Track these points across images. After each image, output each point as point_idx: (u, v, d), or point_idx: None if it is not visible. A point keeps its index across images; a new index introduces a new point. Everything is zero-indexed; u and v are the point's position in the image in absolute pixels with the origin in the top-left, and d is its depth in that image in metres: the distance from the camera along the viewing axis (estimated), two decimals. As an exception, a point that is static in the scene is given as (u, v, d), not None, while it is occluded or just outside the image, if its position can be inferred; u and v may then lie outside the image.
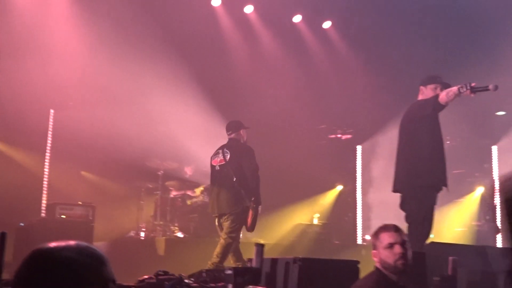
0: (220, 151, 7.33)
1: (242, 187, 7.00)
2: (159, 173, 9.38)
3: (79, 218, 7.80)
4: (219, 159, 7.30)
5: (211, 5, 10.83)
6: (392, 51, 10.87)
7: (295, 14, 11.40)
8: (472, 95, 5.68)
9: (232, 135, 7.37)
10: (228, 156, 7.20)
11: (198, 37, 10.62)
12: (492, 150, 12.45)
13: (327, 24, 11.61)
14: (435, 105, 5.80)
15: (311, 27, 11.59)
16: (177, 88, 10.09)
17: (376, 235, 3.59)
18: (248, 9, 11.13)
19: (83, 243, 1.53)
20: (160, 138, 9.74)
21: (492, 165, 12.36)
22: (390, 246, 3.47)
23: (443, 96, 5.76)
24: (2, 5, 8.74)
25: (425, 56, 10.46)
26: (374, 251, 3.54)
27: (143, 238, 9.00)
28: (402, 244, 3.48)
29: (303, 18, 11.45)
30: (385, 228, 3.60)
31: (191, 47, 10.54)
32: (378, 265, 3.51)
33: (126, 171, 9.50)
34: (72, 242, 1.52)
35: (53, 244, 1.50)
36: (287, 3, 10.85)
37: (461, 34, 10.67)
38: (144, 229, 9.16)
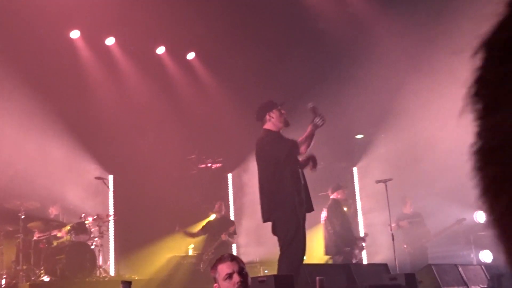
0: None
1: None
2: (20, 214, 8.76)
3: None
4: None
5: (70, 37, 10.50)
6: (255, 78, 11.25)
7: (158, 45, 11.40)
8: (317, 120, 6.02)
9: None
10: None
11: (57, 70, 10.21)
12: (353, 171, 13.25)
13: (191, 55, 11.74)
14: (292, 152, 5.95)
15: (175, 58, 11.65)
16: (35, 125, 9.59)
17: (214, 268, 3.58)
18: (110, 41, 10.93)
19: None
20: (18, 177, 9.16)
21: (354, 186, 13.13)
22: (229, 276, 3.47)
23: (304, 148, 6.02)
24: None
25: (282, 80, 10.98)
26: (216, 284, 3.54)
27: (3, 286, 8.30)
28: (240, 272, 3.49)
29: (166, 49, 11.47)
30: (221, 259, 3.60)
31: (51, 81, 10.10)
32: None
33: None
34: None
35: None
36: (149, 34, 10.82)
37: (318, 58, 11.33)
38: (5, 276, 8.46)
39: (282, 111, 6.12)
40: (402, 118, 10.91)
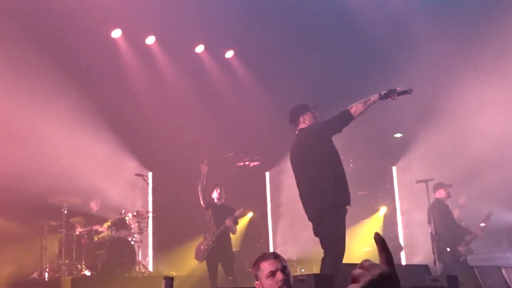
0: None
1: None
2: (63, 209, 8.97)
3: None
4: None
5: (111, 37, 10.67)
6: (291, 76, 11.21)
7: (197, 44, 11.48)
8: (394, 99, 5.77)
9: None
10: None
11: (100, 69, 10.42)
12: (392, 170, 13.09)
13: (229, 54, 11.78)
14: (344, 120, 5.77)
15: (214, 57, 11.71)
16: (78, 123, 9.80)
17: (256, 265, 3.53)
18: (150, 40, 11.07)
19: None
20: (62, 173, 9.37)
21: (393, 185, 12.97)
22: (272, 274, 3.43)
23: (359, 106, 5.81)
24: None
25: (319, 79, 10.89)
26: (257, 282, 3.50)
27: (47, 279, 8.51)
28: (283, 270, 3.46)
29: (205, 48, 11.55)
30: (264, 257, 3.56)
31: (93, 80, 10.32)
32: None
33: (26, 209, 9.02)
34: None
35: None
36: (188, 33, 10.90)
37: (356, 56, 11.20)
38: (48, 270, 8.67)
39: (316, 114, 6.08)
40: (443, 116, 10.73)
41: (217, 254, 8.71)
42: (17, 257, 8.70)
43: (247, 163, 11.40)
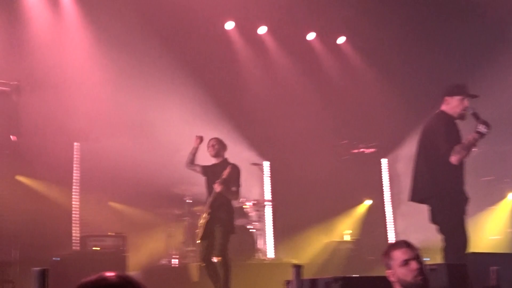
0: None
1: None
2: (186, 199, 9.33)
3: (111, 249, 7.79)
4: None
5: (225, 28, 10.90)
6: (408, 60, 10.83)
7: (309, 31, 11.43)
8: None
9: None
10: None
11: (215, 61, 10.69)
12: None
13: (341, 40, 11.62)
14: (447, 153, 5.53)
15: (325, 44, 11.61)
16: (197, 113, 10.12)
17: (388, 254, 3.48)
18: (262, 30, 11.18)
19: (122, 273, 1.65)
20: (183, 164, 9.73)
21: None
22: (406, 263, 3.38)
23: (459, 158, 5.51)
24: (23, 40, 8.84)
25: (444, 65, 10.40)
26: (389, 270, 3.43)
27: (175, 265, 8.92)
28: (417, 258, 3.40)
29: (317, 35, 11.47)
30: (396, 245, 3.53)
31: (209, 72, 10.60)
32: (396, 285, 3.41)
33: (153, 198, 9.49)
34: (111, 273, 1.64)
35: (95, 276, 1.62)
36: (300, 21, 10.88)
37: (480, 39, 10.58)
38: (176, 256, 9.08)
39: (465, 102, 5.79)
40: None
41: (213, 229, 6.99)
42: (145, 244, 9.17)
43: (362, 150, 11.20)
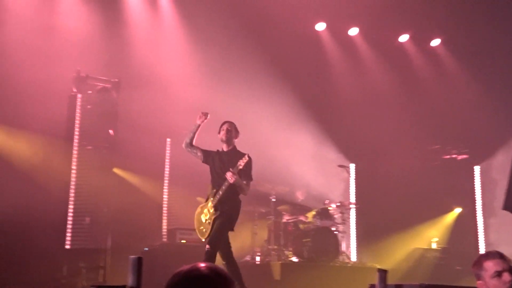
0: None
1: None
2: (271, 197, 9.44)
3: (198, 242, 7.98)
4: None
5: (315, 30, 10.90)
6: (507, 64, 10.36)
7: (402, 33, 11.19)
8: None
9: None
10: None
11: (304, 62, 10.73)
12: None
13: (435, 42, 11.29)
14: None
15: (418, 46, 11.33)
16: (285, 114, 10.19)
17: (478, 264, 3.38)
18: (353, 31, 11.08)
19: (212, 265, 1.73)
20: (271, 162, 9.83)
21: None
22: (498, 274, 3.27)
23: None
24: (124, 39, 9.28)
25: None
26: (480, 281, 3.33)
27: (258, 263, 9.05)
28: (510, 271, 3.28)
29: (410, 37, 11.21)
30: (488, 255, 3.41)
31: (298, 73, 10.65)
32: None
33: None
34: (203, 264, 1.72)
35: (189, 266, 1.71)
36: (393, 23, 10.68)
37: None
38: (259, 254, 9.21)
39: None
40: None
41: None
42: (232, 240, 9.34)
43: (454, 156, 10.84)
